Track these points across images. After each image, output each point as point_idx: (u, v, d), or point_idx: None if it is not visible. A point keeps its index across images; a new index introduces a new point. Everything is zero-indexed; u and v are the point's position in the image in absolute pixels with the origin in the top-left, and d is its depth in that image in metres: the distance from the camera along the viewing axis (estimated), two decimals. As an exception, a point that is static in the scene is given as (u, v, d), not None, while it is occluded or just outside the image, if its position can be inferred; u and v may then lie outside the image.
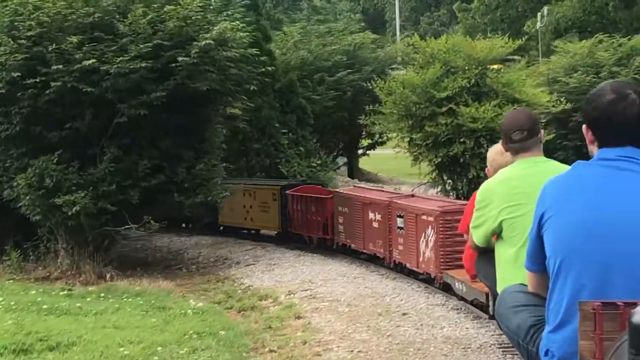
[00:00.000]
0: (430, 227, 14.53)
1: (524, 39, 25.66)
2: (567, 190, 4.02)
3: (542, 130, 6.42)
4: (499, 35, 24.22)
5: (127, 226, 17.27)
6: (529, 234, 4.27)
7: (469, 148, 20.65)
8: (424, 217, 14.84)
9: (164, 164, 17.39)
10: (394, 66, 26.30)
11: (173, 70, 16.72)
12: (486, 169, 8.04)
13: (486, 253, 6.64)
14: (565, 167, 5.48)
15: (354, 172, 36.01)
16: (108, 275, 17.29)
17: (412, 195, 18.29)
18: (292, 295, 15.05)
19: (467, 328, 12.08)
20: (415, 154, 21.73)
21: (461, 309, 13.07)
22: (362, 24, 38.91)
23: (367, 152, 34.40)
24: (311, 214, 19.74)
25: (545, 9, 38.93)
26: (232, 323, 13.01)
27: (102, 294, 15.41)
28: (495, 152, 7.72)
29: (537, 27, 38.12)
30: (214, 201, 17.92)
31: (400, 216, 15.92)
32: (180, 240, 22.63)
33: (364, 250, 17.87)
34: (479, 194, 6.42)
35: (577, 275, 3.86)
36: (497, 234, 6.24)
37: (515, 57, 26.54)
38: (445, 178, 22.21)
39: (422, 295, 14.28)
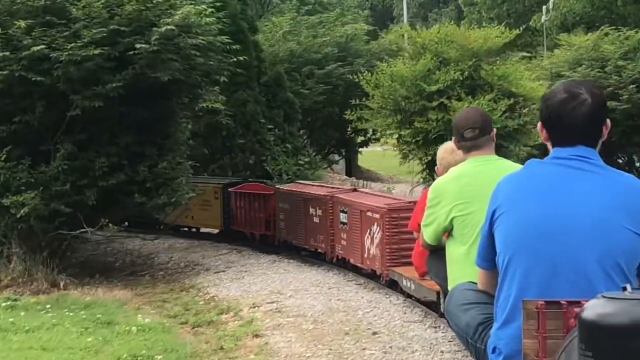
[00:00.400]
0: (376, 224, 14.15)
1: (521, 28, 23.80)
2: (520, 188, 4.09)
3: (495, 130, 6.51)
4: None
5: (82, 230, 15.68)
6: (480, 230, 4.34)
7: (461, 146, 18.97)
8: (370, 213, 14.48)
9: (123, 162, 15.77)
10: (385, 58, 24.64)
11: (132, 58, 15.07)
12: (436, 168, 8.44)
13: (437, 251, 6.82)
14: (517, 166, 5.82)
15: (352, 170, 34.40)
16: (62, 283, 15.64)
17: (354, 190, 18.08)
18: (256, 308, 13.40)
19: (442, 352, 10.46)
20: (404, 151, 20.06)
21: (439, 326, 11.45)
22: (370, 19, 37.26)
23: (359, 149, 32.54)
24: (254, 211, 19.35)
25: (551, 2, 37.14)
26: (179, 343, 11.34)
27: (49, 305, 13.78)
28: (445, 150, 8.05)
29: (542, 21, 36.39)
30: (178, 203, 16.30)
31: (343, 211, 15.67)
32: (153, 244, 21.00)
33: (305, 246, 17.61)
34: (430, 191, 6.56)
35: (524, 272, 3.93)
36: (448, 232, 6.38)
37: (525, 53, 25.03)
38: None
39: (399, 310, 12.62)
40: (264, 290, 14.76)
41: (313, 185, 19.37)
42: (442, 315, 10.20)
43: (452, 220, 6.29)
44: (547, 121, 4.08)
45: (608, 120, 4.09)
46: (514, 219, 4.01)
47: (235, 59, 17.70)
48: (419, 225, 7.52)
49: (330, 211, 16.16)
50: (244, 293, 14.79)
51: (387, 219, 13.71)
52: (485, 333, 4.37)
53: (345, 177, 30.89)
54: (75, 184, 15.56)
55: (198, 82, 16.42)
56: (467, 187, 6.28)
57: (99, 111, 15.41)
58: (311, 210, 16.98)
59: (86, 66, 14.89)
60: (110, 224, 15.64)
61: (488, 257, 4.22)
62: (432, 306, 12.00)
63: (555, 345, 3.50)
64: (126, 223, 17.93)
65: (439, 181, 6.63)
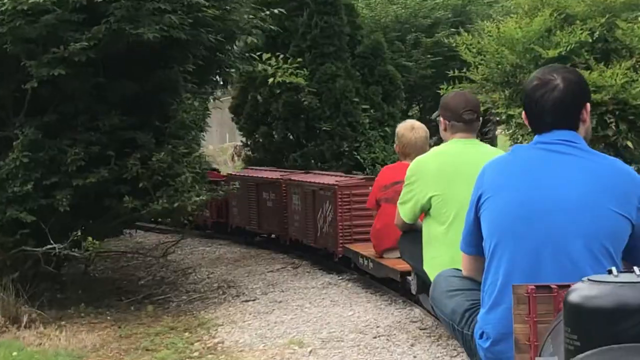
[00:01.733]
0: (328, 202, 13.63)
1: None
2: (505, 173, 4.10)
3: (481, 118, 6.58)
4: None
5: (48, 246, 11.21)
6: (465, 215, 4.28)
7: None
8: (322, 192, 13.94)
9: (108, 153, 11.30)
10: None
11: (106, 8, 10.60)
12: (394, 145, 9.45)
13: (410, 232, 6.84)
14: (499, 151, 6.28)
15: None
16: (25, 319, 11.26)
17: (308, 172, 17.07)
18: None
19: None
20: (515, 136, 14.97)
21: None
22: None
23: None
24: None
25: None
26: None
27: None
28: (405, 127, 8.95)
29: None
30: (183, 208, 11.66)
31: (295, 193, 15.06)
32: (204, 251, 16.59)
33: (260, 231, 16.86)
34: (409, 169, 6.53)
35: (511, 256, 3.93)
36: (425, 211, 6.36)
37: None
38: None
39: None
40: (285, 336, 10.10)
41: (267, 170, 17.99)
42: (414, 293, 9.42)
43: (430, 198, 6.27)
44: (525, 108, 4.15)
45: (588, 104, 4.10)
46: (499, 204, 4.02)
47: (267, 12, 12.91)
48: (377, 202, 9.51)
49: (284, 194, 15.54)
50: (258, 340, 10.14)
51: (339, 196, 13.15)
52: (472, 319, 4.32)
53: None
54: (41, 183, 11.17)
55: (212, 43, 11.69)
56: (448, 166, 6.28)
57: (69, 84, 11.00)
58: (264, 194, 16.16)
59: (43, 21, 10.46)
60: (90, 239, 11.13)
61: (474, 242, 4.23)
62: (392, 284, 11.23)
63: (545, 329, 3.41)
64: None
65: (419, 159, 6.59)
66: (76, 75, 10.85)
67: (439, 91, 17.71)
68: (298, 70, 19.04)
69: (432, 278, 5.83)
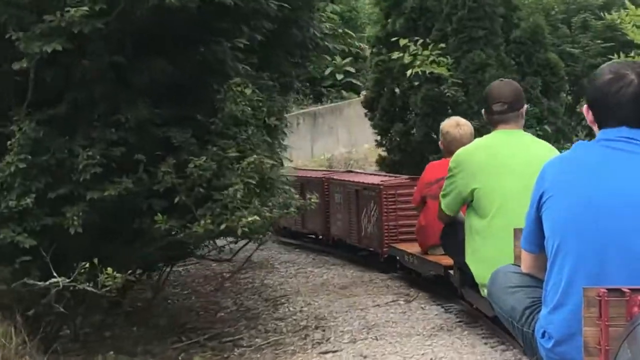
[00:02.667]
0: (372, 201, 12.77)
1: None
2: (567, 171, 4.00)
3: (526, 106, 6.47)
4: None
5: (51, 280, 8.27)
6: (526, 214, 4.18)
7: None
8: (366, 192, 13.08)
9: (137, 157, 8.35)
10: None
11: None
12: (439, 142, 9.12)
13: (452, 224, 6.85)
14: (543, 142, 6.59)
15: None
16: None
17: (350, 171, 17.43)
18: None
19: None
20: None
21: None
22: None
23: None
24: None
25: None
26: None
27: None
28: (449, 124, 8.73)
29: None
30: (233, 230, 8.49)
31: (337, 192, 14.43)
32: (311, 273, 13.50)
33: (303, 231, 16.22)
34: (452, 161, 6.48)
35: (575, 256, 3.86)
36: (467, 203, 6.33)
37: None
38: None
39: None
40: None
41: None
42: (459, 289, 8.74)
43: (473, 191, 6.20)
44: (593, 102, 4.04)
45: None
46: (562, 204, 3.92)
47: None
48: (422, 199, 9.35)
49: (326, 193, 14.84)
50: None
51: (384, 196, 12.49)
52: (533, 317, 4.20)
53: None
54: (45, 196, 8.29)
55: (278, 12, 8.52)
56: (491, 158, 6.20)
57: (75, 65, 8.07)
58: (307, 194, 14.61)
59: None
60: (110, 271, 8.16)
61: (535, 241, 4.13)
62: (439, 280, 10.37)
63: (616, 333, 3.35)
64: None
65: (461, 151, 6.49)
66: (82, 52, 7.94)
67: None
68: (440, 58, 15.82)
69: (474, 271, 6.44)
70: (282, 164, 11.45)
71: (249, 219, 8.20)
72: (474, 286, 7.06)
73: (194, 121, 8.46)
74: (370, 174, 15.91)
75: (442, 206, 6.64)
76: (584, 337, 3.50)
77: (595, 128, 4.06)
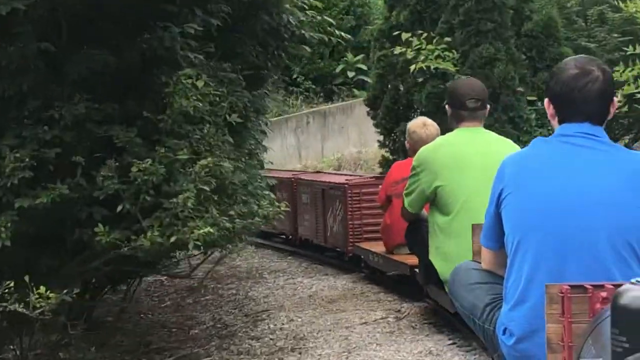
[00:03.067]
0: (338, 200, 12.44)
1: None
2: (526, 168, 3.97)
3: (489, 106, 6.59)
4: None
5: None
6: (486, 210, 4.14)
7: None
8: (332, 191, 12.76)
9: (73, 158, 7.18)
10: None
11: None
12: (405, 142, 8.96)
13: (416, 222, 6.92)
14: (506, 139, 6.53)
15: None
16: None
17: (318, 172, 17.25)
18: None
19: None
20: None
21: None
22: None
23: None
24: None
25: None
26: None
27: None
28: (416, 125, 8.69)
29: None
30: (182, 244, 7.28)
31: (305, 192, 13.91)
32: (300, 284, 12.30)
33: (273, 232, 15.18)
34: (415, 159, 6.51)
35: (535, 253, 3.81)
36: (430, 201, 6.34)
37: None
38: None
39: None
40: None
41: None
42: (421, 284, 8.59)
43: (436, 189, 6.18)
44: (556, 97, 3.98)
45: (615, 99, 4.00)
46: (521, 200, 3.90)
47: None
48: (387, 198, 9.17)
49: (294, 192, 14.46)
50: None
51: (349, 195, 12.12)
52: (494, 314, 4.17)
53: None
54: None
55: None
56: (454, 156, 6.17)
57: (5, 53, 6.95)
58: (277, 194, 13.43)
59: None
60: (43, 290, 7.00)
61: (495, 237, 4.10)
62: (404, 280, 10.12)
63: (580, 329, 3.35)
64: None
65: (424, 149, 6.47)
66: (7, 37, 6.80)
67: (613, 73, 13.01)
68: (446, 53, 14.64)
69: (438, 268, 6.46)
70: (262, 166, 10.30)
71: (202, 230, 7.03)
72: (439, 283, 6.87)
73: (140, 118, 7.27)
74: (337, 174, 16.10)
75: (406, 204, 6.62)
76: (547, 333, 3.48)
77: (554, 122, 4.04)
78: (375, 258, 10.88)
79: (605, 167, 3.85)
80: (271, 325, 10.24)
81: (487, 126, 14.59)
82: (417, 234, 7.06)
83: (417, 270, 8.64)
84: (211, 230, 7.08)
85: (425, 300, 9.54)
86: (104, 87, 7.20)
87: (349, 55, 27.92)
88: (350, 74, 28.12)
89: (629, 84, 11.73)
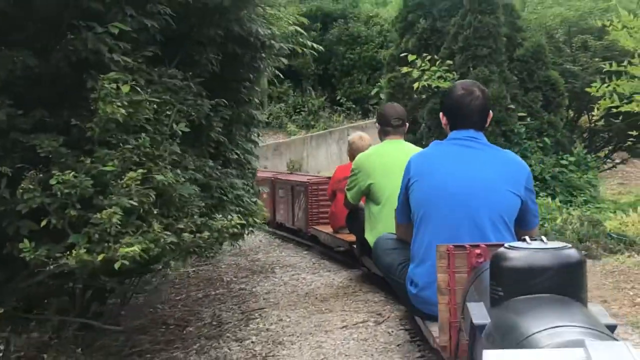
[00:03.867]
0: (302, 194, 12.36)
1: None
2: (427, 162, 4.26)
3: (407, 124, 6.79)
4: None
5: None
6: (398, 195, 4.45)
7: None
8: (298, 187, 12.63)
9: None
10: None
11: None
12: (347, 150, 8.50)
13: (354, 210, 7.12)
14: (418, 148, 5.96)
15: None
16: None
17: (291, 173, 17.43)
18: None
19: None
20: None
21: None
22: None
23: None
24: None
25: None
26: None
27: None
28: (355, 138, 8.34)
29: None
30: (110, 263, 4.98)
31: (281, 188, 13.71)
32: (303, 280, 9.83)
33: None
34: (354, 163, 6.72)
35: (434, 224, 4.13)
36: (365, 195, 6.55)
37: None
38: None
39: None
40: None
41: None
42: (357, 256, 8.45)
43: (369, 185, 6.43)
44: (448, 111, 4.33)
45: (491, 112, 4.34)
46: (423, 187, 4.20)
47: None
48: (333, 192, 8.77)
49: (273, 189, 14.04)
50: None
51: (309, 190, 11.98)
52: (403, 270, 4.49)
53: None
54: None
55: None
56: (382, 162, 6.36)
57: None
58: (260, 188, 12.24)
59: None
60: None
61: (405, 214, 4.42)
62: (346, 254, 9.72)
63: (461, 278, 3.50)
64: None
65: (360, 156, 6.63)
66: None
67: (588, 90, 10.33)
68: (447, 74, 12.16)
69: (371, 243, 6.27)
70: (253, 175, 7.90)
71: (130, 249, 4.63)
72: (371, 255, 6.34)
73: (68, 126, 4.90)
74: (303, 175, 16.05)
75: (348, 197, 6.88)
76: (438, 282, 3.69)
77: (447, 129, 4.40)
78: (325, 237, 10.91)
79: (484, 161, 4.20)
80: (260, 325, 7.77)
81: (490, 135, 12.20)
82: (355, 218, 7.22)
83: (354, 245, 8.57)
84: (148, 246, 4.70)
85: (361, 268, 9.06)
86: (32, 93, 4.82)
87: (383, 81, 25.69)
88: (383, 96, 25.98)
89: (604, 99, 9.15)
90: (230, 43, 5.83)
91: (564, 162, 12.41)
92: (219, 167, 6.40)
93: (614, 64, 8.27)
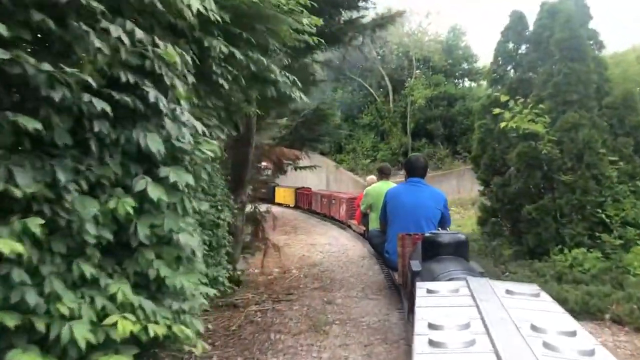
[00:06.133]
0: (344, 202, 19.72)
1: None
2: (396, 192, 7.62)
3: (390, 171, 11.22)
4: None
5: None
6: (381, 208, 7.91)
7: None
8: (342, 198, 20.37)
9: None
10: None
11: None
12: (366, 183, 12.91)
13: (365, 215, 10.85)
14: (393, 184, 9.11)
15: None
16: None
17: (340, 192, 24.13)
18: None
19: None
20: None
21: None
22: None
23: None
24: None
25: None
26: None
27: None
28: (369, 179, 12.65)
29: None
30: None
31: (334, 199, 21.68)
32: (331, 306, 9.15)
33: (322, 212, 23.26)
34: (365, 191, 10.61)
35: (398, 223, 7.31)
36: (370, 207, 10.25)
37: None
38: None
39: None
40: None
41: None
42: (366, 238, 12.82)
43: (371, 205, 10.17)
44: (408, 168, 7.63)
45: (427, 168, 7.72)
46: (394, 203, 7.48)
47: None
48: (357, 206, 14.09)
49: (331, 200, 21.93)
50: None
51: (347, 200, 19.49)
52: (382, 246, 7.74)
53: None
54: None
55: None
56: (377, 192, 9.95)
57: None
58: (324, 199, 23.33)
59: None
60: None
61: (383, 217, 7.78)
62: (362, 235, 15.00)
63: (408, 251, 6.25)
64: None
65: (369, 188, 10.51)
66: None
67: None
68: (539, 118, 11.68)
69: (370, 231, 9.68)
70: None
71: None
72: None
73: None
74: (340, 193, 23.70)
75: (362, 209, 10.88)
76: (398, 253, 6.54)
77: (406, 176, 7.73)
78: (353, 226, 16.60)
79: (423, 192, 7.48)
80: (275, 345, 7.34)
81: (569, 183, 11.60)
82: (365, 218, 11.00)
83: (365, 231, 12.20)
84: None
85: (367, 240, 11.84)
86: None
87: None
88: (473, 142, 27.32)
89: None
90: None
91: (657, 206, 11.70)
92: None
93: None
